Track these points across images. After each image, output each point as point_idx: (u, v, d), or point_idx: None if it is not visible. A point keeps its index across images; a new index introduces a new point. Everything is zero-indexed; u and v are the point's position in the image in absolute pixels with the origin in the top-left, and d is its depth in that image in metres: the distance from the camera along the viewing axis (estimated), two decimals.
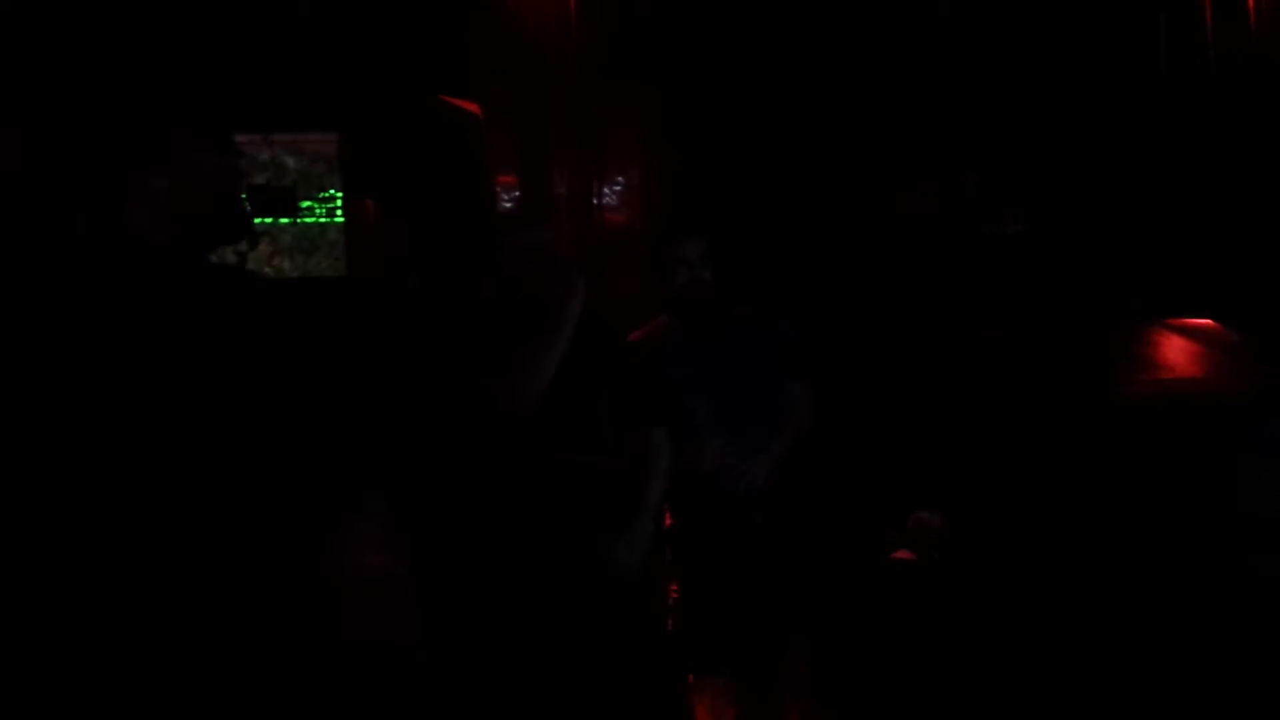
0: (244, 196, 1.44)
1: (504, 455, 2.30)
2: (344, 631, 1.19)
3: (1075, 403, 4.07)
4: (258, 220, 4.81)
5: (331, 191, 4.86)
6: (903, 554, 3.92)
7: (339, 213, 4.85)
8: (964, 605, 3.68)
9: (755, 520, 2.96)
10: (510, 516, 2.35)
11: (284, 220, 4.84)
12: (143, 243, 1.24)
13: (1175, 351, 4.49)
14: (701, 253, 3.02)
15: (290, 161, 4.85)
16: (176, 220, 1.29)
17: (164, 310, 1.17)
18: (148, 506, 1.09)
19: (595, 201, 5.66)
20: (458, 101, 5.04)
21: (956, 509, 3.93)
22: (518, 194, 5.45)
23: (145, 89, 1.28)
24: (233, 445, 1.14)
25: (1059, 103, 6.33)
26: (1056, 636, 3.45)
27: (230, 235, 1.39)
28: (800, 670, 2.93)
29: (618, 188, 5.85)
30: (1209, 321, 4.66)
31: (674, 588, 2.92)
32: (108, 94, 1.25)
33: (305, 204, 4.86)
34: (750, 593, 2.92)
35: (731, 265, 3.12)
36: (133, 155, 1.27)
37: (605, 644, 2.53)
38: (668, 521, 3.01)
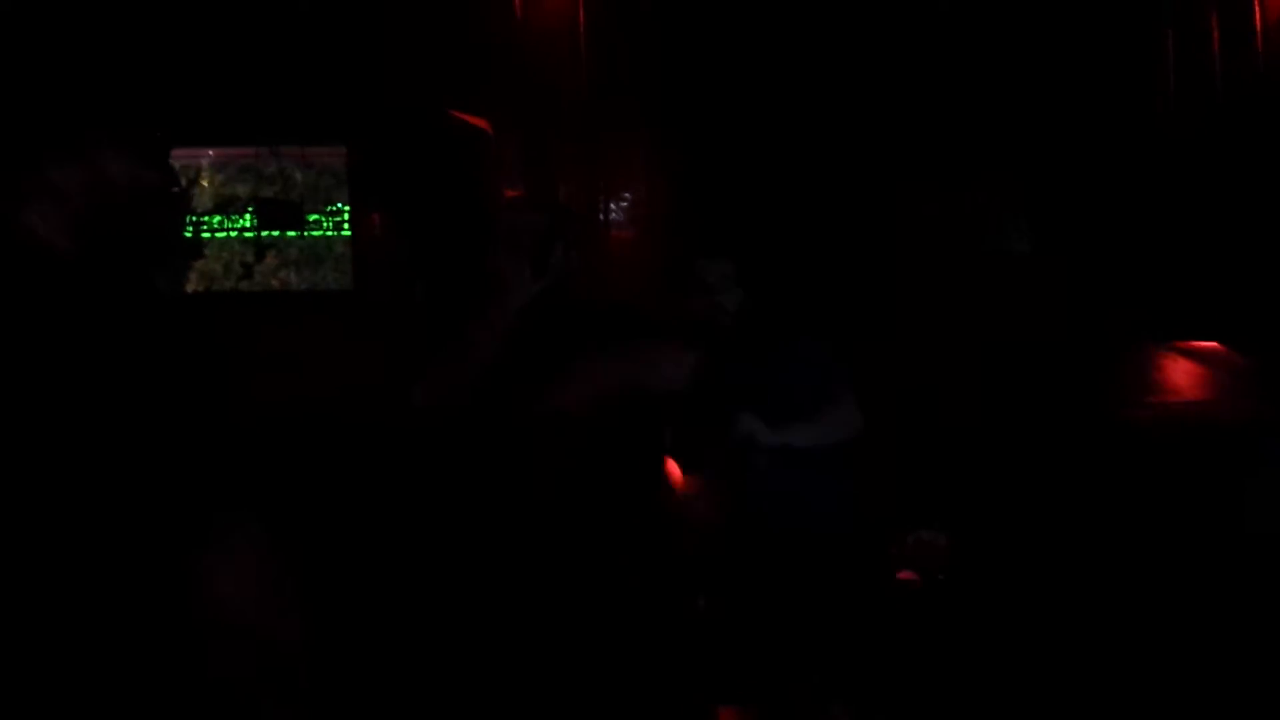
0: (169, 214, 1.39)
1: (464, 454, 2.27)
2: (202, 655, 1.14)
3: (1081, 424, 4.06)
4: (265, 233, 4.83)
5: (339, 205, 4.86)
6: (906, 574, 3.91)
7: (346, 226, 4.86)
8: (969, 626, 3.67)
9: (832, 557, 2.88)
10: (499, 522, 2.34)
11: (291, 233, 4.85)
12: (37, 244, 1.20)
13: (1182, 374, 4.48)
14: (726, 276, 2.83)
15: (298, 174, 4.86)
16: (81, 226, 1.25)
17: (34, 315, 1.12)
18: None
19: (601, 217, 5.67)
20: (467, 116, 5.05)
21: (960, 529, 3.91)
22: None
23: (67, 85, 1.24)
24: (81, 454, 1.09)
25: (1065, 121, 6.33)
26: (1063, 657, 3.44)
27: (146, 252, 1.33)
28: (822, 698, 2.88)
29: (624, 203, 5.85)
30: (1216, 344, 4.65)
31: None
32: (24, 81, 1.22)
33: (313, 217, 4.87)
34: (783, 618, 2.85)
35: (764, 287, 2.98)
36: (42, 145, 1.23)
37: (617, 667, 2.50)
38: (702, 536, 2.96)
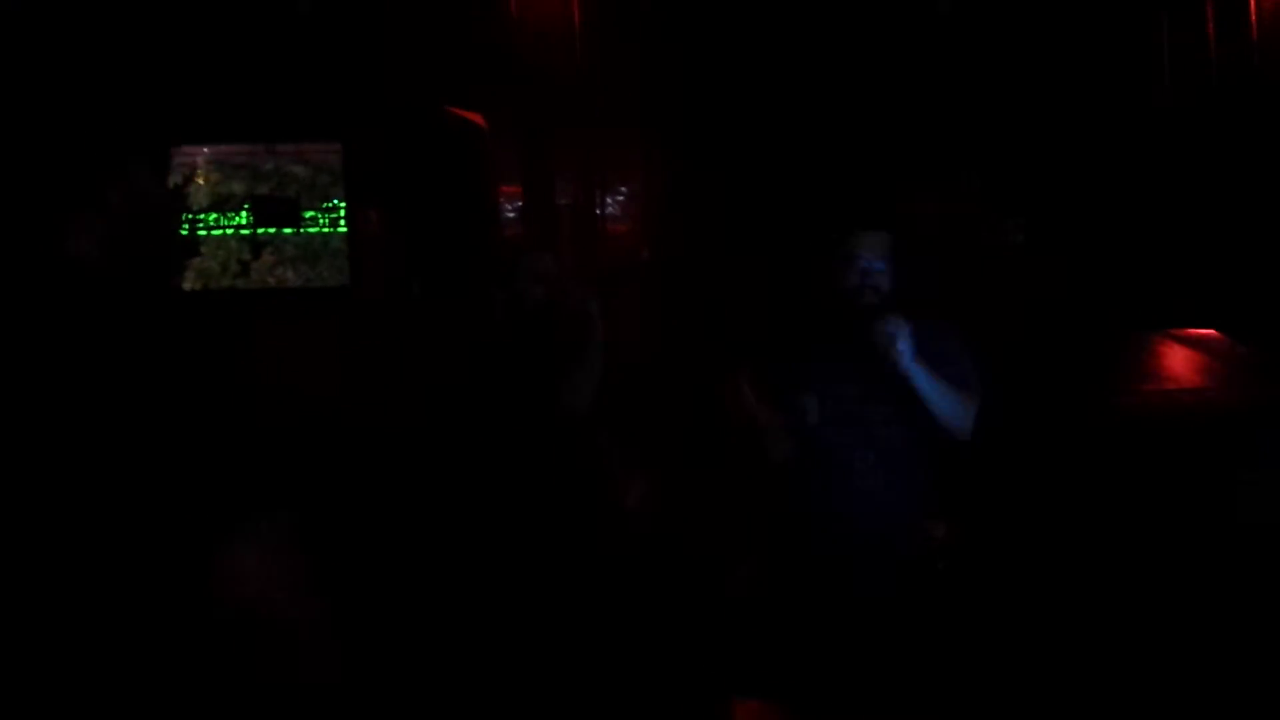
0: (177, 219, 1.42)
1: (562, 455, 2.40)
2: (231, 653, 1.15)
3: (1079, 412, 4.06)
4: (261, 230, 4.82)
5: (335, 201, 4.86)
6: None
7: (342, 223, 4.85)
8: (970, 614, 3.67)
9: (937, 566, 2.81)
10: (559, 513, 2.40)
11: (288, 230, 4.84)
12: (80, 265, 1.22)
13: (1179, 361, 4.48)
14: (881, 251, 2.71)
15: (298, 171, 4.85)
16: (117, 240, 1.27)
17: (83, 327, 1.15)
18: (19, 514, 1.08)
19: (598, 212, 5.67)
20: (462, 112, 5.05)
21: (959, 517, 3.91)
22: (520, 204, 5.46)
23: (96, 114, 1.26)
24: (118, 452, 1.12)
25: (1061, 113, 6.34)
26: (1062, 643, 3.44)
27: (163, 260, 1.36)
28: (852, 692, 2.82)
29: (620, 198, 5.85)
30: (1213, 332, 4.65)
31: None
32: (59, 120, 1.23)
33: (309, 214, 4.86)
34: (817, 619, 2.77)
35: (913, 264, 2.89)
36: (83, 166, 1.25)
37: (632, 653, 2.51)
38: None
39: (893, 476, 2.72)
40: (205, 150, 4.79)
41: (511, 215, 5.42)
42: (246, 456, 1.18)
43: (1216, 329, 4.66)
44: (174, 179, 1.43)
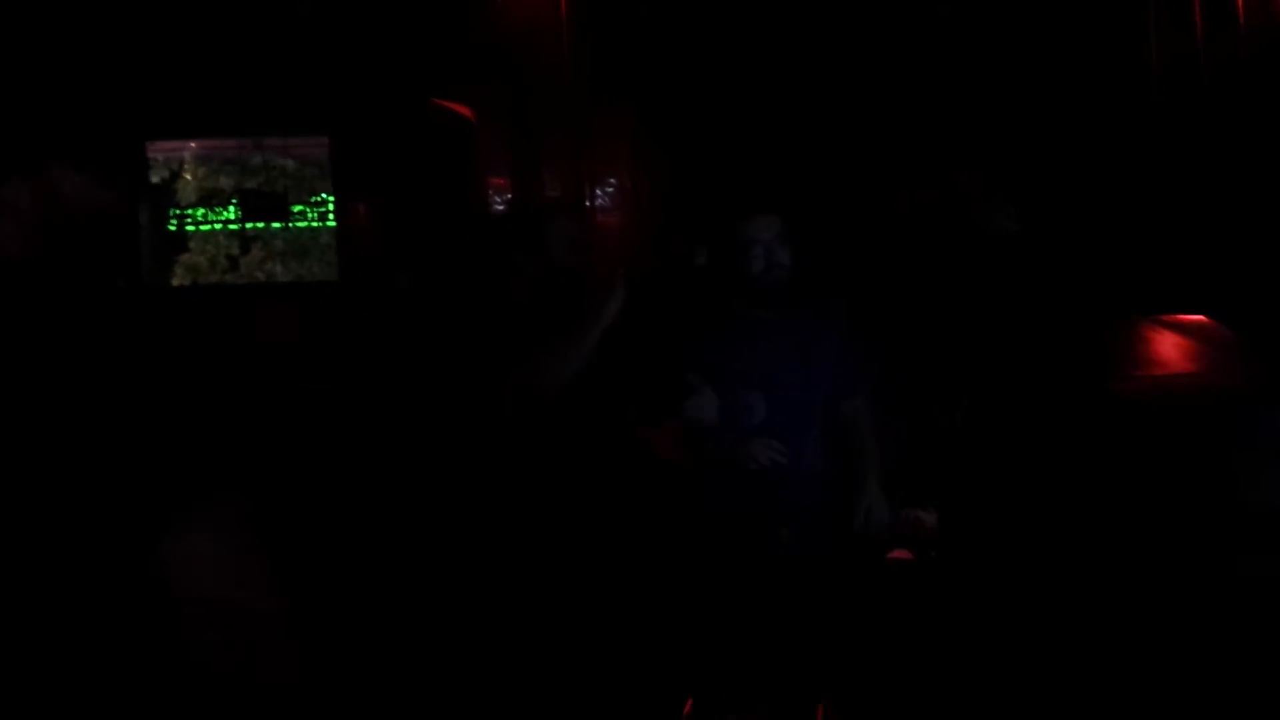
0: (121, 222, 1.39)
1: (521, 443, 2.32)
2: (180, 642, 1.14)
3: (1070, 399, 4.06)
4: (249, 225, 4.80)
5: (323, 195, 4.85)
6: (899, 553, 3.89)
7: (331, 217, 4.84)
8: (963, 604, 3.67)
9: (782, 537, 2.77)
10: (521, 507, 2.34)
11: (276, 225, 4.83)
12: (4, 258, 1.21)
13: (1170, 347, 4.49)
14: (777, 233, 2.76)
15: (286, 165, 4.84)
16: (33, 238, 1.25)
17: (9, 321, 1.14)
18: None
19: (587, 204, 5.65)
20: (449, 104, 5.03)
21: (950, 506, 3.91)
22: (509, 197, 5.45)
23: (21, 101, 1.25)
24: (49, 447, 1.11)
25: (1053, 102, 6.34)
26: (1055, 634, 3.44)
27: (103, 258, 1.34)
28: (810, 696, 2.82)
29: (609, 190, 5.84)
30: (1203, 317, 4.65)
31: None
32: None
33: (297, 208, 4.85)
34: (777, 622, 2.76)
35: (807, 247, 2.90)
36: None
37: (606, 658, 2.49)
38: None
39: (836, 450, 2.75)
40: (192, 145, 4.77)
41: (500, 208, 5.41)
42: (184, 450, 1.16)
43: (1207, 314, 4.67)
44: (160, 174, 1.39)
